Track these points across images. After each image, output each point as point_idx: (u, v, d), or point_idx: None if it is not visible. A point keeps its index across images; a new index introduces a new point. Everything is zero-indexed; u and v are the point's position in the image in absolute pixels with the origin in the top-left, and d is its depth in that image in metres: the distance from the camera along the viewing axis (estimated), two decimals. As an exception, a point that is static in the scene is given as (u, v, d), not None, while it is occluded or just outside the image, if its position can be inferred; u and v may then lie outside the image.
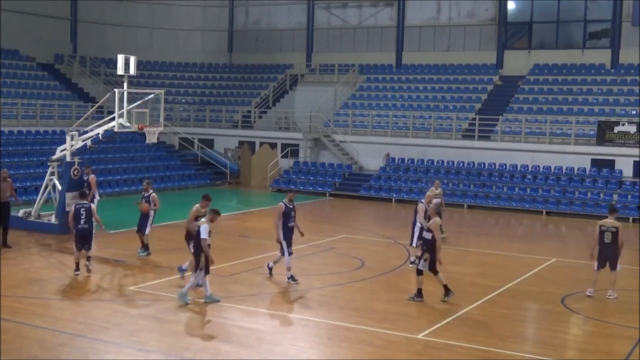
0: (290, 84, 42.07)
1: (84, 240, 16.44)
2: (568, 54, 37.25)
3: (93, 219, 16.76)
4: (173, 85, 42.41)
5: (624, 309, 14.92)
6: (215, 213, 14.46)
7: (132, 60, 21.39)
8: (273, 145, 36.82)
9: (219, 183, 35.91)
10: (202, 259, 14.12)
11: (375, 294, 15.67)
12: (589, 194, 29.47)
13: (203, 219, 14.40)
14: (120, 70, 21.24)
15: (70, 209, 17.10)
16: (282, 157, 36.55)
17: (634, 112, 32.34)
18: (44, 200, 22.24)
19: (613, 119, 31.75)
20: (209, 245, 14.09)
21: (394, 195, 31.99)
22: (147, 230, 18.61)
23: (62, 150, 22.26)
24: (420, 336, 12.70)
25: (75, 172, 21.80)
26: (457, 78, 38.72)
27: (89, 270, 16.41)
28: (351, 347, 12.15)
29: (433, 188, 21.85)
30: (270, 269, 16.74)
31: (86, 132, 22.30)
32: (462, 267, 18.81)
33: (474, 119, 34.40)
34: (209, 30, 45.68)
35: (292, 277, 16.08)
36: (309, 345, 12.45)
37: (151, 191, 18.65)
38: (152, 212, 18.55)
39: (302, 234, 16.72)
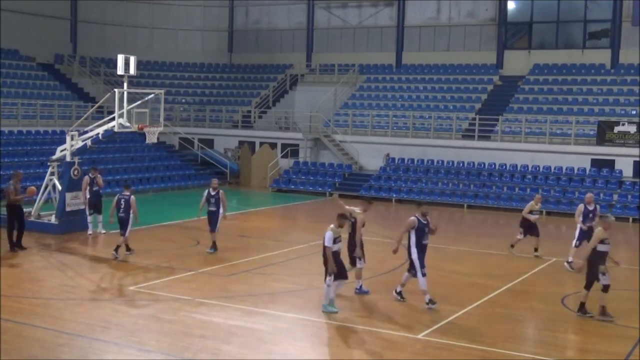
0: (290, 84, 42.07)
1: (120, 226, 18.39)
2: (568, 54, 37.26)
3: (131, 210, 18.36)
4: (173, 85, 42.42)
5: (624, 309, 14.90)
6: (343, 218, 14.00)
7: (132, 60, 21.40)
8: (273, 145, 36.82)
9: (219, 183, 35.85)
10: (331, 266, 13.62)
11: (375, 294, 15.67)
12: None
13: (331, 226, 13.81)
14: (120, 70, 21.25)
15: (114, 198, 18.91)
16: (282, 157, 36.55)
17: (634, 112, 32.34)
18: (44, 201, 22.23)
19: (613, 119, 31.75)
20: (336, 253, 13.69)
21: (394, 195, 31.99)
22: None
23: (62, 150, 22.26)
24: (420, 336, 12.70)
25: (75, 172, 21.80)
26: (457, 78, 38.72)
27: (115, 258, 18.01)
28: (351, 347, 12.15)
29: (533, 203, 20.10)
30: (400, 293, 15.00)
31: (86, 132, 22.30)
32: (462, 267, 18.83)
33: (474, 119, 34.40)
34: (209, 30, 45.68)
35: (430, 301, 14.31)
36: (309, 345, 12.44)
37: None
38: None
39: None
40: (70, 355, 11.26)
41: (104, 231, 21.55)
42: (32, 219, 21.75)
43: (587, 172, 30.69)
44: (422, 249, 14.46)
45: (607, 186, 29.78)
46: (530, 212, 19.94)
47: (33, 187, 20.85)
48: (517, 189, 30.72)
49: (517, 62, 38.15)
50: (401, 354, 11.90)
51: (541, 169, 31.41)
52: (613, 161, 30.67)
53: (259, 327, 13.00)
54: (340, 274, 13.81)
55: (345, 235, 14.75)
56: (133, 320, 13.17)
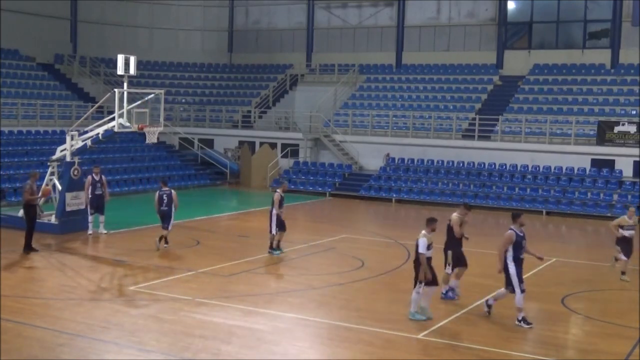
0: (290, 84, 42.07)
1: (163, 220, 19.31)
2: (568, 54, 37.26)
3: (173, 204, 19.36)
4: (173, 85, 42.42)
5: (624, 309, 14.92)
6: (433, 222, 13.68)
7: (132, 60, 21.40)
8: (273, 145, 36.82)
9: (219, 183, 35.91)
10: (423, 272, 13.38)
11: (375, 294, 15.67)
12: (589, 194, 29.47)
13: (423, 232, 13.54)
14: (120, 70, 21.24)
15: (155, 194, 19.62)
16: (282, 157, 36.55)
17: (634, 112, 32.34)
18: (44, 201, 22.22)
19: (613, 119, 31.75)
20: (429, 259, 13.46)
21: (394, 195, 31.99)
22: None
23: (62, 150, 22.26)
24: (420, 336, 12.70)
25: (75, 172, 21.80)
26: (457, 78, 38.73)
27: (157, 249, 19.14)
28: (351, 347, 12.15)
29: (626, 217, 17.81)
30: (490, 307, 14.14)
31: (86, 132, 22.30)
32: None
33: (474, 119, 34.40)
34: (209, 30, 45.68)
35: (524, 320, 13.48)
36: (309, 345, 12.44)
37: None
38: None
39: (540, 258, 14.61)
40: (70, 355, 11.26)
41: (105, 231, 21.55)
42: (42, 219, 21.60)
43: (587, 172, 30.69)
44: (519, 263, 13.62)
45: (607, 186, 29.77)
46: (621, 226, 17.56)
47: (48, 187, 20.85)
48: (517, 189, 30.71)
49: (517, 62, 38.16)
50: (401, 354, 11.90)
51: (541, 169, 31.40)
52: (613, 161, 30.66)
53: (259, 327, 13.00)
54: (432, 280, 13.56)
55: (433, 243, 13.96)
56: (133, 320, 13.17)
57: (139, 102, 21.74)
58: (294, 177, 34.84)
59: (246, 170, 36.33)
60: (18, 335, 12.06)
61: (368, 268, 18.23)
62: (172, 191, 19.63)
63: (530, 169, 31.64)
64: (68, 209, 21.58)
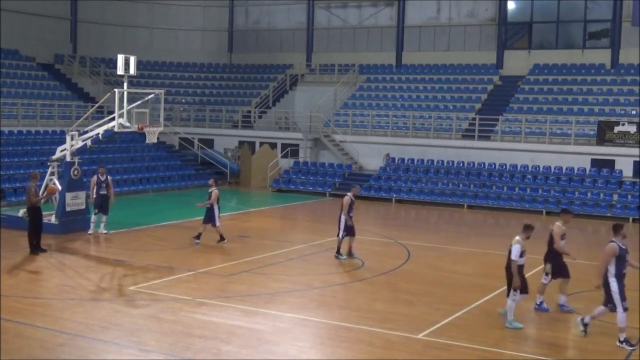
0: (290, 84, 42.07)
1: (208, 218, 20.39)
2: (568, 54, 37.27)
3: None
4: (173, 85, 42.42)
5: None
6: (529, 229, 13.47)
7: (132, 60, 21.39)
8: (273, 145, 36.82)
9: (219, 183, 35.84)
10: (515, 280, 13.19)
11: (375, 294, 15.67)
12: (589, 194, 29.46)
13: (517, 238, 13.36)
14: (120, 70, 21.23)
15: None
16: (282, 157, 36.54)
17: (634, 112, 32.34)
18: (44, 201, 22.19)
19: (613, 119, 31.75)
20: (521, 267, 13.26)
21: (394, 195, 31.99)
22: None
23: (62, 150, 22.24)
24: (420, 336, 12.70)
25: (75, 172, 21.79)
26: (457, 78, 38.73)
27: (194, 244, 20.09)
28: (351, 347, 12.15)
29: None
30: (586, 326, 13.01)
31: (86, 132, 22.29)
32: (462, 267, 18.83)
33: (474, 119, 34.40)
34: (209, 30, 45.69)
35: (626, 341, 12.42)
36: (309, 345, 12.44)
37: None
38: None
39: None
40: (70, 355, 11.26)
41: (105, 231, 21.55)
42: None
43: (587, 172, 30.68)
44: (622, 279, 12.44)
45: (607, 186, 29.77)
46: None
47: (53, 186, 20.82)
48: (517, 189, 30.71)
49: (517, 62, 38.16)
50: (401, 354, 11.89)
51: (541, 169, 31.40)
52: (613, 161, 30.67)
53: (259, 327, 13.00)
54: (523, 288, 13.40)
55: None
56: (133, 320, 13.17)
57: (139, 102, 21.74)
58: (294, 177, 34.84)
59: (246, 170, 36.33)
60: (18, 335, 12.05)
61: (368, 268, 18.23)
62: (215, 190, 20.53)
63: (530, 169, 31.64)
64: (68, 209, 21.57)
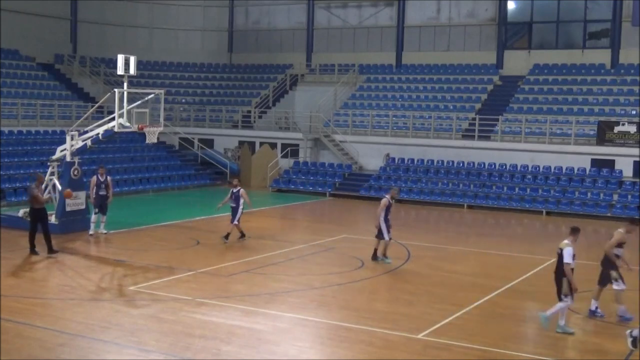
0: (290, 84, 42.07)
1: (232, 214, 20.91)
2: (568, 54, 37.26)
3: (241, 200, 20.79)
4: (173, 85, 42.41)
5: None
6: (577, 231, 13.23)
7: (132, 60, 21.39)
8: (273, 145, 36.82)
9: (219, 183, 35.88)
10: (565, 285, 12.94)
11: (375, 294, 15.67)
12: (589, 194, 29.46)
13: (566, 241, 13.07)
14: (120, 70, 21.23)
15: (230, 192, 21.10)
16: (282, 157, 36.54)
17: (634, 112, 32.34)
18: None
19: (613, 119, 31.74)
20: (572, 270, 12.92)
21: (394, 195, 31.94)
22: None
23: (62, 150, 22.24)
24: (420, 336, 12.69)
25: (75, 172, 21.79)
26: (457, 78, 38.73)
27: (223, 243, 20.54)
28: (351, 347, 12.15)
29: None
30: (635, 338, 12.30)
31: (86, 132, 22.29)
32: (462, 267, 18.83)
33: (474, 119, 34.40)
34: (209, 30, 45.68)
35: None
36: (309, 345, 12.44)
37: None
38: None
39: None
40: (70, 355, 11.26)
41: (105, 231, 21.54)
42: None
43: (587, 172, 30.68)
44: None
45: (607, 186, 29.77)
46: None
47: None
48: (517, 189, 30.71)
49: (517, 62, 38.15)
50: (401, 354, 11.89)
51: (541, 169, 31.40)
52: (613, 161, 30.66)
53: (259, 327, 13.00)
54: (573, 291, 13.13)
55: None
56: (133, 320, 13.17)
57: (139, 102, 21.74)
58: (294, 177, 34.84)
59: (246, 170, 36.32)
60: (18, 335, 12.05)
61: (368, 268, 18.22)
62: (241, 189, 21.04)
63: (530, 169, 31.64)
64: (68, 209, 21.56)
